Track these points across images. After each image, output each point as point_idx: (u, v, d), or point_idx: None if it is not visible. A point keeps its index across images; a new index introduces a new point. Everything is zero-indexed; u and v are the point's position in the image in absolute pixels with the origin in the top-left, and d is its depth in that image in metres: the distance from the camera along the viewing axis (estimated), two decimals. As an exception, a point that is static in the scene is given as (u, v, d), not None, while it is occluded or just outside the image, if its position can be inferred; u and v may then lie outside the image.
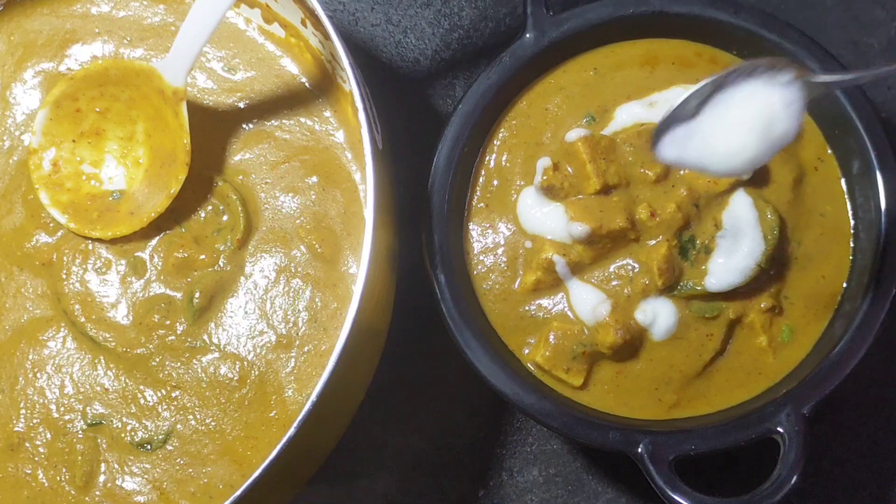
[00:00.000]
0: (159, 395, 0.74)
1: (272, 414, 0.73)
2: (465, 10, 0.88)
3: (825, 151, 0.78)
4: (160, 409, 0.74)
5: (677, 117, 0.58)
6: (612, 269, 0.75)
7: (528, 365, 0.76)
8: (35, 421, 0.75)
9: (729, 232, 0.74)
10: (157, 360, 0.75)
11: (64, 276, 0.76)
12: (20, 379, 0.75)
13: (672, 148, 0.59)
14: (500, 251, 0.77)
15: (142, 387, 0.74)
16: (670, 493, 0.70)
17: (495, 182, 0.79)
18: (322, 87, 0.78)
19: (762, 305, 0.74)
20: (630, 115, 0.77)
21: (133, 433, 0.74)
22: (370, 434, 0.82)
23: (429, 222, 0.76)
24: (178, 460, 0.73)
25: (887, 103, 0.85)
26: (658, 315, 0.74)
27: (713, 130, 0.59)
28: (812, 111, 0.78)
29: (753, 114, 0.58)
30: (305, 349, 0.74)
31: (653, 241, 0.74)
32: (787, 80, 0.58)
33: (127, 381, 0.75)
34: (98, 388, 0.75)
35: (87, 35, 0.81)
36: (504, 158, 0.79)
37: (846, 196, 0.77)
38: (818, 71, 0.64)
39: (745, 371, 0.75)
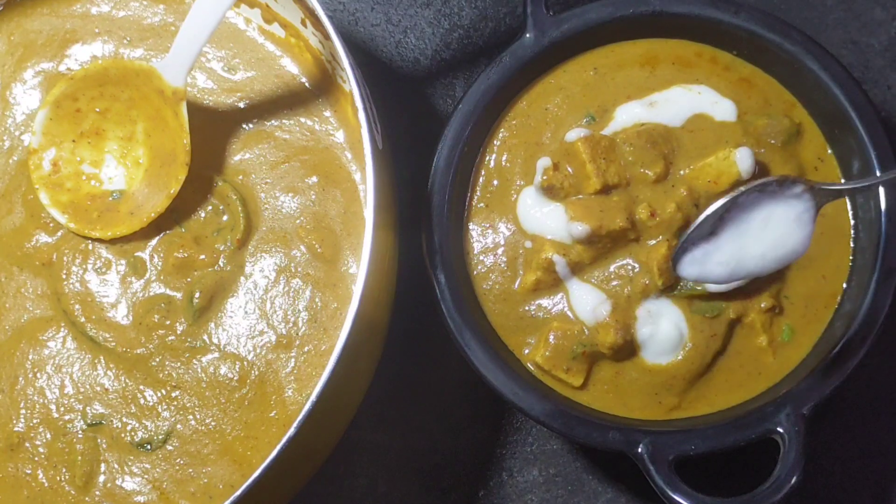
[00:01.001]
0: (159, 395, 0.74)
1: (272, 414, 0.73)
2: (465, 10, 0.88)
3: (825, 151, 0.78)
4: (160, 409, 0.74)
5: (695, 238, 0.62)
6: (612, 269, 0.75)
7: (528, 365, 0.76)
8: (35, 421, 0.75)
9: (729, 232, 0.74)
10: (157, 360, 0.75)
11: (64, 276, 0.76)
12: (20, 379, 0.75)
13: (692, 266, 0.63)
14: (500, 251, 0.77)
15: (142, 387, 0.74)
16: (670, 493, 0.70)
17: (495, 182, 0.79)
18: (322, 87, 0.78)
19: (762, 305, 0.74)
20: (630, 115, 0.77)
21: (133, 433, 0.74)
22: (370, 434, 0.82)
23: (429, 222, 0.76)
24: (178, 460, 0.73)
25: (887, 103, 0.85)
26: (658, 315, 0.74)
27: (731, 248, 0.62)
28: (812, 111, 0.78)
29: (768, 229, 0.62)
30: (305, 349, 0.74)
31: (653, 241, 0.74)
32: (798, 193, 0.62)
33: (127, 381, 0.75)
34: (98, 388, 0.75)
35: (87, 35, 0.81)
36: (504, 158, 0.79)
37: (846, 196, 0.77)
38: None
39: (745, 371, 0.75)
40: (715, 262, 0.63)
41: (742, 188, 0.61)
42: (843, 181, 0.64)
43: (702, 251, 0.63)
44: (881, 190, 0.74)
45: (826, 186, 0.63)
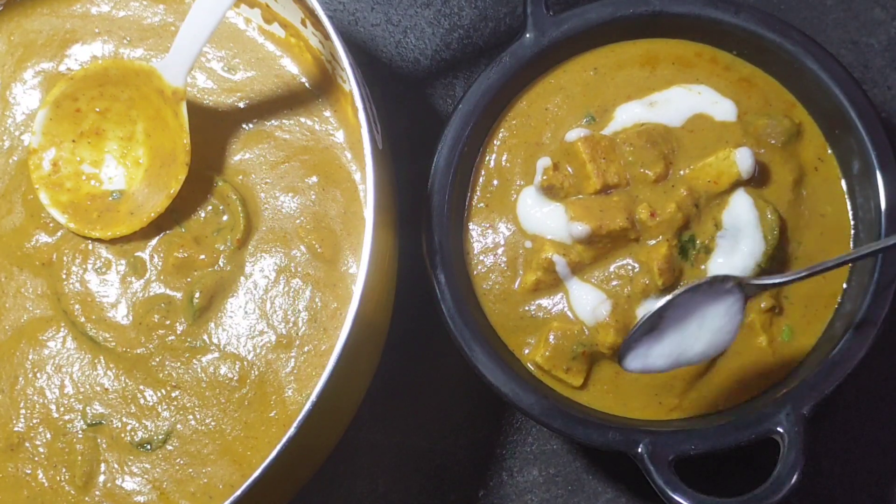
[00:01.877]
0: (159, 395, 0.74)
1: (272, 414, 0.73)
2: (465, 10, 0.88)
3: (825, 151, 0.78)
4: (160, 409, 0.74)
5: (637, 336, 0.68)
6: (612, 268, 0.75)
7: (528, 365, 0.76)
8: (35, 421, 0.75)
9: (729, 232, 0.74)
10: (157, 360, 0.75)
11: (64, 276, 0.76)
12: (20, 379, 0.75)
13: (636, 361, 0.69)
14: (500, 251, 0.77)
15: (142, 387, 0.74)
16: (670, 493, 0.70)
17: (495, 182, 0.79)
18: (322, 87, 0.78)
19: (762, 305, 0.74)
20: (630, 115, 0.77)
21: (133, 433, 0.74)
22: (370, 434, 0.82)
23: (429, 222, 0.76)
24: (178, 460, 0.73)
25: (887, 103, 0.85)
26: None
27: (671, 343, 0.69)
28: (812, 111, 0.78)
29: (705, 324, 0.69)
30: (305, 349, 0.74)
31: (653, 241, 0.74)
32: (728, 289, 0.69)
33: (127, 381, 0.75)
34: (98, 388, 0.75)
35: (87, 35, 0.81)
36: (504, 158, 0.79)
37: (846, 196, 0.77)
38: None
39: (745, 371, 0.75)
40: (657, 354, 0.69)
41: (677, 291, 0.68)
42: (763, 278, 0.71)
43: (645, 346, 0.69)
44: (881, 190, 0.74)
45: (753, 282, 0.70)
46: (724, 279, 0.68)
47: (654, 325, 0.68)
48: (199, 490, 0.73)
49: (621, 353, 0.69)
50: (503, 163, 0.79)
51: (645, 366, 0.69)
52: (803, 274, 0.70)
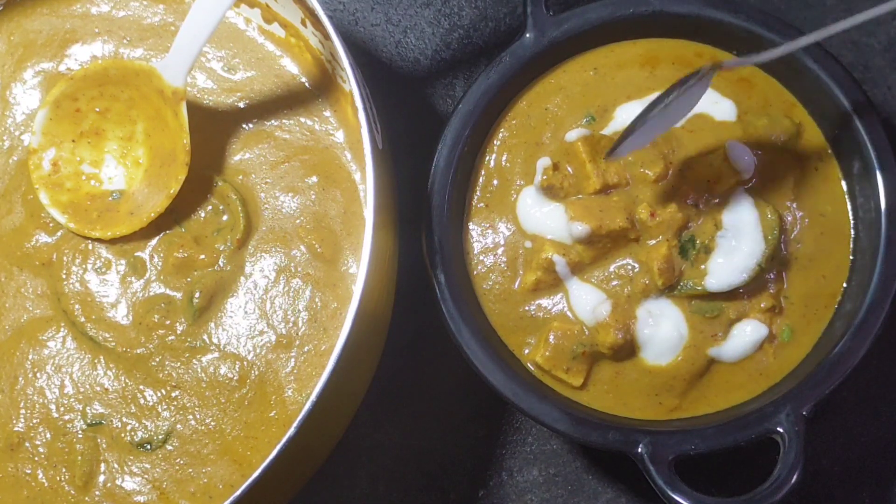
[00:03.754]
0: (159, 395, 0.74)
1: (272, 414, 0.73)
2: (465, 10, 0.88)
3: (825, 151, 0.78)
4: (160, 409, 0.74)
5: (633, 129, 0.71)
6: (612, 268, 0.75)
7: (528, 365, 0.76)
8: (35, 421, 0.75)
9: (729, 232, 0.74)
10: (157, 360, 0.75)
11: (64, 276, 0.76)
12: (20, 379, 0.75)
13: (625, 150, 0.72)
14: (500, 251, 0.77)
15: (142, 387, 0.74)
16: (670, 493, 0.70)
17: (495, 182, 0.79)
18: (322, 87, 0.79)
19: (762, 305, 0.74)
20: (630, 115, 0.77)
21: (133, 433, 0.74)
22: (370, 434, 0.82)
23: (429, 222, 0.76)
24: (177, 460, 0.73)
25: (887, 103, 0.85)
26: (658, 315, 0.74)
27: (654, 127, 0.71)
28: (812, 111, 0.78)
29: (680, 106, 0.71)
30: (305, 349, 0.74)
31: (653, 241, 0.74)
32: (702, 76, 0.71)
33: (127, 381, 0.75)
34: (98, 388, 0.75)
35: (87, 35, 0.81)
36: (504, 158, 0.79)
37: (846, 196, 0.77)
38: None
39: (745, 371, 0.75)
40: (641, 141, 0.72)
41: (667, 96, 0.70)
42: (735, 60, 0.74)
43: (632, 136, 0.71)
44: (881, 190, 0.74)
45: (725, 65, 0.71)
46: (696, 73, 0.70)
47: (643, 122, 0.71)
48: (199, 490, 0.73)
49: (611, 153, 0.72)
50: (503, 163, 0.79)
51: (631, 149, 0.72)
52: (779, 52, 0.70)
